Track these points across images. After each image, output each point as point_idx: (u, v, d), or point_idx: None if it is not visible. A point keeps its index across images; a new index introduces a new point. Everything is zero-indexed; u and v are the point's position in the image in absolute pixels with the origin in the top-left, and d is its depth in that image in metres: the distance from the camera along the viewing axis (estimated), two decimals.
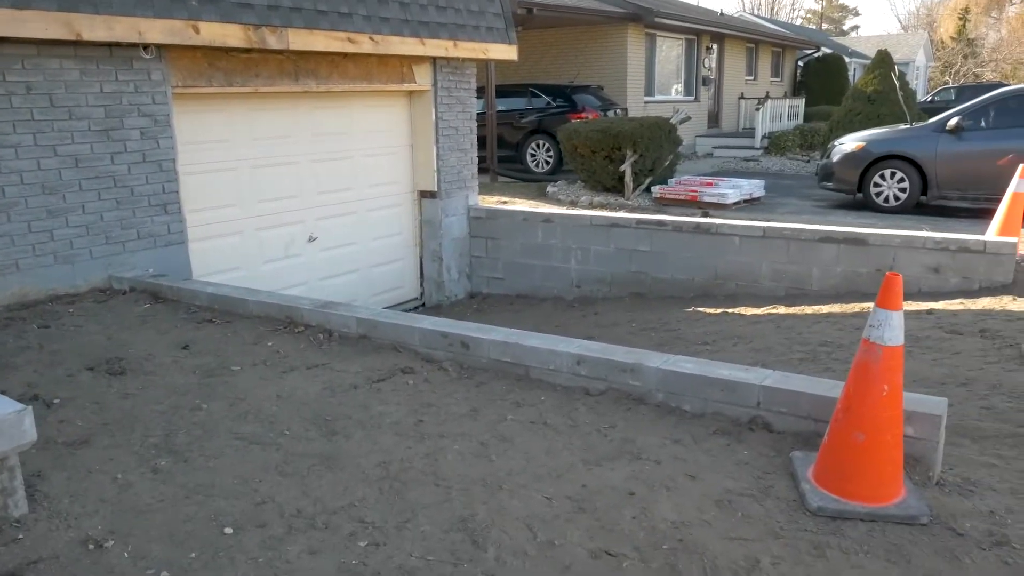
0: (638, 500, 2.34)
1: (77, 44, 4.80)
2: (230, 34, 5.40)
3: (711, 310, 6.34)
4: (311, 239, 6.85)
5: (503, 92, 14.07)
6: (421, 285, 8.07)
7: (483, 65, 10.90)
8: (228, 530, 2.17)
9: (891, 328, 2.17)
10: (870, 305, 5.71)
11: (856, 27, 64.38)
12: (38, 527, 2.15)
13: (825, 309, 5.81)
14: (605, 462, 2.54)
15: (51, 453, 2.57)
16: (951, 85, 34.19)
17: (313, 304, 4.14)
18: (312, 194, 6.81)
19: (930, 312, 5.33)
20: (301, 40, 5.85)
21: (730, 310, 6.25)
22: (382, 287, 7.68)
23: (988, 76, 42.96)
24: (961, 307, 5.38)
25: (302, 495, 2.36)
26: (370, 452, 2.63)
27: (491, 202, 9.97)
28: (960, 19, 47.59)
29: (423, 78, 7.33)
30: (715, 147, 18.50)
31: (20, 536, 2.11)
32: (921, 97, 28.73)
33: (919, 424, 2.44)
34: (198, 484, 2.41)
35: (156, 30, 5.00)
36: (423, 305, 8.04)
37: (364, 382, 3.27)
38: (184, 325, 4.13)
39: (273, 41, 5.65)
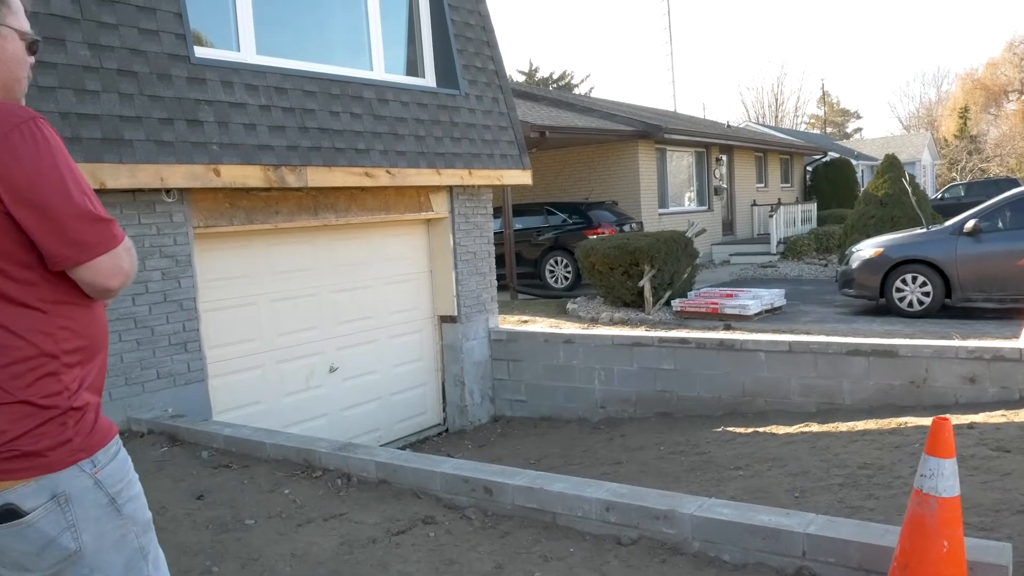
0: None
1: (101, 192, 4.90)
2: (250, 175, 5.52)
3: (741, 429, 6.14)
4: (332, 369, 6.79)
5: (520, 211, 14.31)
6: (444, 410, 7.93)
7: (500, 187, 11.13)
8: None
9: (944, 478, 2.02)
10: (907, 420, 5.50)
11: (859, 129, 65.80)
12: None
13: (860, 426, 5.60)
14: None
15: None
16: (959, 182, 34.56)
17: (331, 447, 4.03)
18: (332, 324, 6.81)
19: (971, 426, 5.11)
20: (320, 177, 5.97)
21: (761, 429, 6.05)
22: (405, 414, 7.55)
23: (994, 170, 43.46)
24: (1004, 420, 5.15)
25: None
26: None
27: (512, 321, 9.93)
28: (960, 118, 48.59)
29: (440, 206, 7.44)
30: (731, 254, 18.57)
31: None
32: (930, 195, 28.99)
33: None
34: None
35: (178, 175, 5.12)
36: (446, 431, 7.88)
37: (383, 535, 3.11)
38: (200, 471, 4.02)
39: (292, 180, 5.77)
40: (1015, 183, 23.32)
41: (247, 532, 3.21)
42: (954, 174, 44.88)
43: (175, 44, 5.14)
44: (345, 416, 6.93)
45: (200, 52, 5.37)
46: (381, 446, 6.38)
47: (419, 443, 7.44)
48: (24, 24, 1.61)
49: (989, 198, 10.67)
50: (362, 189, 6.58)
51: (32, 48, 1.64)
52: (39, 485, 1.45)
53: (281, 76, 5.83)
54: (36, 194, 1.41)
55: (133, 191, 5.06)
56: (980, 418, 5.21)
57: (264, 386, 6.22)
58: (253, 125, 5.59)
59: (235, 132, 5.47)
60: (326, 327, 6.75)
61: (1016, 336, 6.79)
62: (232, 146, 5.43)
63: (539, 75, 42.16)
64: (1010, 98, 50.25)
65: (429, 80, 7.36)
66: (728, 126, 25.92)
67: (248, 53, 5.76)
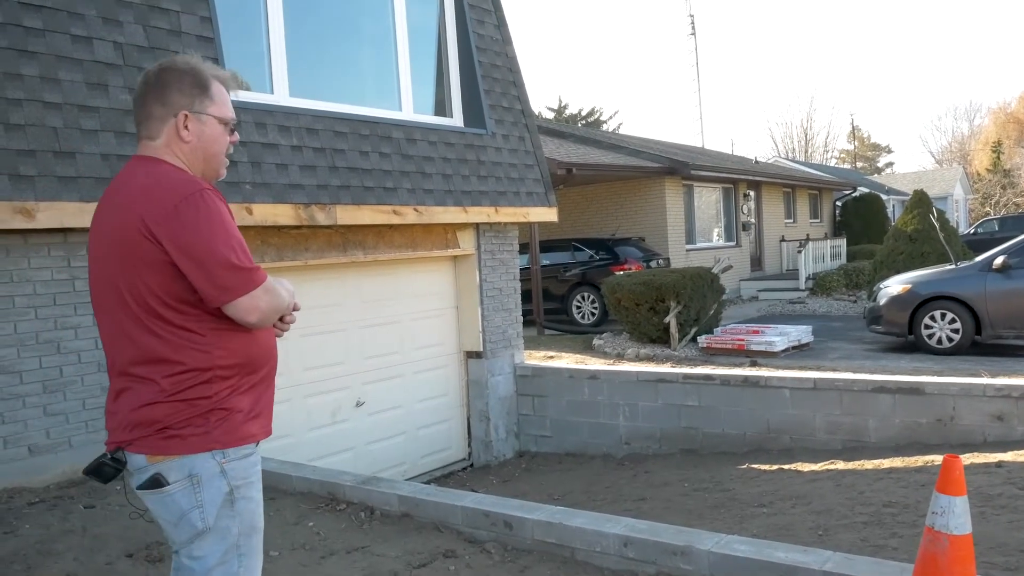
0: None
1: None
2: (281, 213, 5.68)
3: (766, 466, 6.11)
4: (358, 404, 6.88)
5: (547, 247, 14.41)
6: (469, 445, 7.97)
7: (526, 224, 11.28)
8: None
9: (956, 516, 2.04)
10: (933, 458, 5.44)
11: (891, 164, 65.22)
12: None
13: (886, 464, 5.55)
14: None
15: None
16: (993, 216, 34.13)
17: (355, 480, 4.10)
18: (359, 359, 6.91)
19: (999, 465, 5.05)
20: (349, 215, 6.12)
21: (786, 466, 6.01)
22: (429, 449, 7.60)
23: None
24: None
25: None
26: None
27: (538, 356, 9.98)
28: (993, 151, 48.08)
29: (466, 243, 7.56)
30: (760, 290, 18.48)
31: None
32: (963, 229, 28.65)
33: None
34: None
35: None
36: (471, 466, 7.91)
37: (404, 568, 3.16)
38: None
39: (322, 218, 5.93)
40: None
41: (271, 563, 3.28)
42: (988, 208, 44.27)
43: None
44: (370, 450, 7.00)
45: (235, 95, 5.56)
46: (406, 480, 6.43)
47: (444, 478, 7.48)
48: (224, 111, 2.05)
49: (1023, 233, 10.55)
50: (390, 227, 6.72)
51: (232, 130, 2.08)
52: (180, 463, 1.85)
53: (312, 117, 6.02)
54: (193, 250, 1.81)
55: None
56: (1008, 457, 5.15)
57: (291, 420, 6.32)
58: (285, 165, 5.76)
59: (267, 172, 5.64)
60: (353, 362, 6.86)
61: None
62: (264, 185, 5.60)
63: (568, 111, 42.58)
64: None
65: (457, 120, 7.53)
66: (756, 161, 25.94)
67: (281, 95, 5.96)
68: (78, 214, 4.62)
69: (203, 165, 2.03)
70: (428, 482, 6.94)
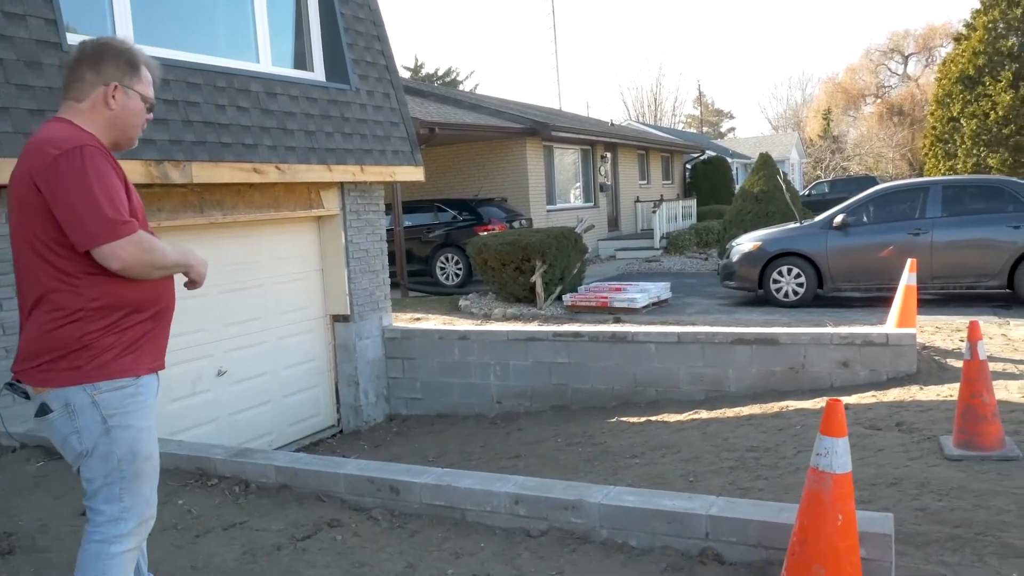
0: None
1: None
2: (131, 170, 5.15)
3: (634, 419, 6.32)
4: (220, 373, 6.54)
5: (410, 208, 14.21)
6: (338, 411, 7.78)
7: (390, 184, 11.00)
8: None
9: (838, 455, 2.16)
10: (788, 404, 5.81)
11: (732, 129, 68.77)
12: None
13: (746, 411, 5.87)
14: None
15: None
16: (824, 179, 36.81)
17: (227, 453, 3.87)
18: (220, 326, 6.55)
19: (846, 407, 5.44)
20: (206, 173, 5.73)
21: (653, 418, 6.24)
22: (297, 416, 7.36)
23: (854, 168, 46.36)
24: (874, 400, 5.52)
25: None
26: None
27: (404, 319, 9.84)
28: (824, 119, 51.67)
29: (331, 203, 7.29)
30: (617, 250, 19.06)
31: None
32: (800, 191, 30.72)
33: (871, 545, 2.42)
34: None
35: None
36: (341, 432, 7.74)
37: (288, 541, 3.02)
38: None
39: (176, 175, 5.52)
40: (873, 181, 25.03)
41: None
42: (819, 172, 47.60)
43: (45, 30, 4.82)
44: (235, 421, 6.69)
45: (73, 39, 5.04)
46: (275, 450, 6.20)
47: (313, 445, 7.28)
48: (147, 91, 2.32)
49: (851, 194, 11.38)
50: (250, 185, 6.37)
51: (149, 109, 2.34)
52: (57, 394, 2.11)
53: (163, 67, 5.55)
54: (65, 199, 2.01)
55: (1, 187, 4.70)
56: (853, 399, 5.56)
57: None
58: None
59: None
60: (213, 329, 6.49)
61: (882, 322, 7.29)
62: None
63: (424, 71, 41.92)
64: (867, 101, 53.85)
65: (318, 74, 7.19)
66: (612, 124, 26.56)
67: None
68: None
69: (117, 133, 2.25)
70: (297, 451, 6.73)
